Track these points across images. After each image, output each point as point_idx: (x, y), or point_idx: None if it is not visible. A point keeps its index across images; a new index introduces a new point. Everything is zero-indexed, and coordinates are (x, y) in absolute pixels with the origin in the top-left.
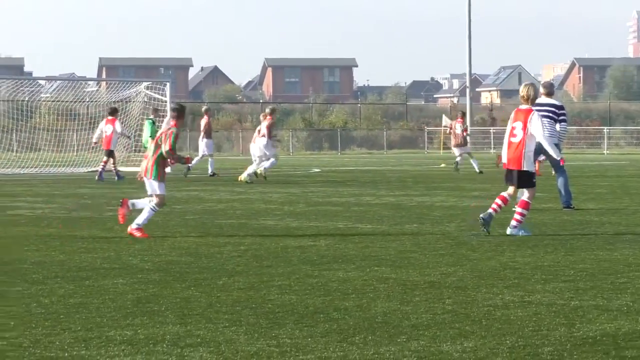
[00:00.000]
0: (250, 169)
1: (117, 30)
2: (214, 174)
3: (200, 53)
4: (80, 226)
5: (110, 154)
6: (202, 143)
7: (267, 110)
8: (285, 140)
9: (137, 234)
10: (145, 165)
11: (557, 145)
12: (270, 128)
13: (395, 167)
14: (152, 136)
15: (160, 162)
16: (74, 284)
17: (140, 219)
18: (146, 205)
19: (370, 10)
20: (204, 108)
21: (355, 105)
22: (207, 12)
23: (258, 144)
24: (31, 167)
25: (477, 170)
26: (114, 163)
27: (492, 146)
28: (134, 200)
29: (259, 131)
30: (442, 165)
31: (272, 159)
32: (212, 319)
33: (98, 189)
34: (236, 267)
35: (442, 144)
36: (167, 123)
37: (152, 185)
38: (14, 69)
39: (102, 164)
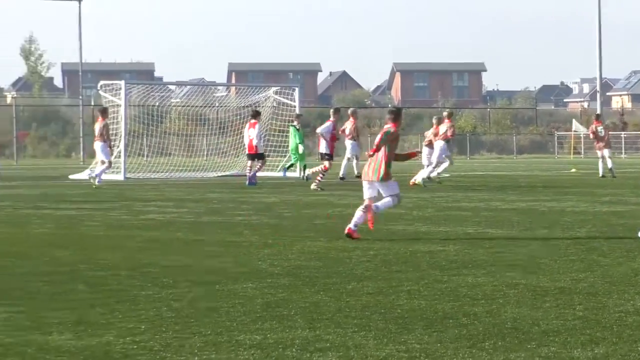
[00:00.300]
0: (423, 173)
1: (247, 36)
2: (342, 178)
3: (329, 58)
4: (211, 231)
5: (254, 157)
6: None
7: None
8: (414, 145)
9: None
10: (371, 168)
11: None
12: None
13: (525, 172)
14: (301, 142)
15: (387, 162)
16: (204, 288)
17: (356, 220)
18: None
19: (499, 14)
20: (350, 110)
21: (485, 110)
22: (335, 17)
23: (436, 147)
24: (161, 172)
25: (601, 174)
26: (250, 167)
27: (624, 151)
28: (377, 204)
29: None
30: (573, 170)
31: (445, 162)
32: (341, 323)
33: (227, 193)
34: (365, 272)
35: (572, 148)
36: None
37: (389, 186)
38: (144, 74)
39: (249, 168)
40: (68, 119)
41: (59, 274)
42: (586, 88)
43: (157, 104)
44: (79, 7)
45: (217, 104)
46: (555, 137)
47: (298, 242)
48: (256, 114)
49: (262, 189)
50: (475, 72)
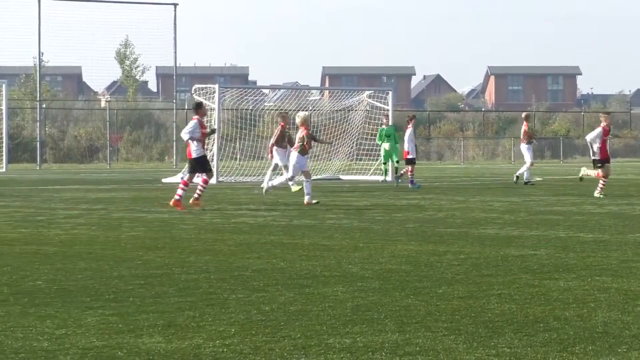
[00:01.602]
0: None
1: (340, 39)
2: (527, 182)
3: (423, 61)
4: (301, 234)
5: (410, 161)
6: (524, 149)
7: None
8: (507, 149)
9: None
10: None
11: None
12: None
13: (619, 176)
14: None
15: None
16: (294, 291)
17: None
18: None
19: (595, 17)
20: (524, 114)
21: (579, 114)
22: (430, 20)
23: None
24: (253, 175)
25: None
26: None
27: None
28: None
29: None
30: None
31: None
32: (430, 327)
33: (319, 197)
34: (456, 276)
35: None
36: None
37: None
38: (238, 78)
39: (405, 171)
40: (161, 122)
41: (151, 277)
42: None
43: (250, 107)
44: (174, 11)
45: (310, 108)
46: None
47: (389, 245)
48: (413, 117)
49: (354, 193)
50: (570, 75)
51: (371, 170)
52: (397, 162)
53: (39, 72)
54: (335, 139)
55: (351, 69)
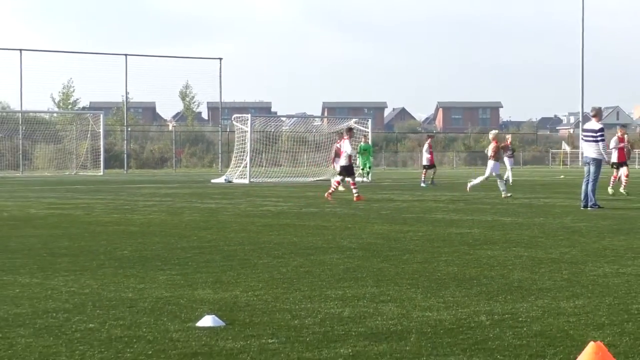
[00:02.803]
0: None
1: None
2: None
3: (392, 97)
4: (308, 218)
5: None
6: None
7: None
8: (451, 159)
9: None
10: None
11: (598, 160)
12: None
13: (527, 178)
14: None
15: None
16: (303, 258)
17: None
18: None
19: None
20: (492, 135)
21: (501, 135)
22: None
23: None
24: (275, 177)
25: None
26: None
27: None
28: None
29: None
30: (562, 176)
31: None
32: (398, 283)
33: (320, 192)
34: (415, 247)
35: (561, 162)
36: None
37: None
38: (264, 110)
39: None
40: (210, 141)
41: (203, 248)
42: (572, 119)
43: (272, 130)
44: (220, 63)
45: (314, 130)
46: (550, 154)
47: (369, 226)
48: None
49: (344, 189)
50: (494, 107)
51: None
52: (370, 168)
53: (126, 105)
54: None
55: (343, 103)
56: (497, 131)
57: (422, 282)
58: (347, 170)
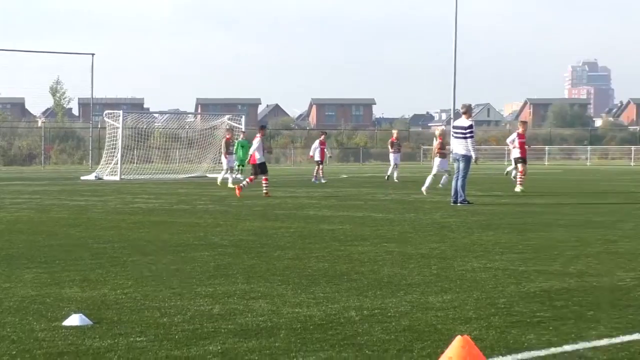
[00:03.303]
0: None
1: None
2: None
3: (266, 94)
4: (179, 215)
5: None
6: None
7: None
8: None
9: None
10: None
11: (467, 157)
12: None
13: (401, 174)
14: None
15: None
16: (174, 255)
17: None
18: None
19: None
20: (438, 131)
21: (373, 131)
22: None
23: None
24: (146, 174)
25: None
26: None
27: None
28: None
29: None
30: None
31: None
32: (268, 279)
33: (192, 189)
34: (287, 244)
35: (433, 158)
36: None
37: None
38: (136, 106)
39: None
40: (81, 137)
41: (72, 246)
42: (444, 116)
43: (144, 126)
44: (92, 59)
45: (187, 127)
46: (422, 150)
47: (240, 223)
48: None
49: (216, 186)
50: (368, 104)
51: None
52: (244, 164)
53: None
54: (204, 149)
55: (216, 99)
56: (443, 128)
57: (293, 279)
58: (260, 167)
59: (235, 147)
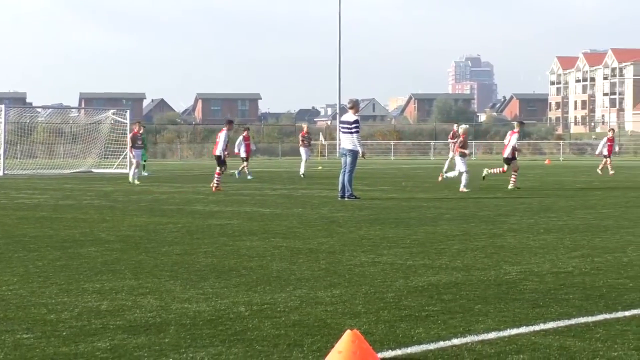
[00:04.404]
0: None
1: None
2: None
3: (151, 88)
4: (65, 211)
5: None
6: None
7: (460, 130)
8: (210, 151)
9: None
10: None
11: (354, 152)
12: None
13: (287, 169)
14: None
15: None
16: (60, 251)
17: None
18: None
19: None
20: (461, 129)
21: (260, 126)
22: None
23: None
24: (30, 169)
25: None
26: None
27: None
28: None
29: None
30: (320, 167)
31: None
32: (157, 275)
33: (77, 184)
34: (175, 239)
35: (319, 153)
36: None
37: None
38: (18, 100)
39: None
40: None
41: None
42: (330, 111)
43: (27, 121)
44: None
45: (71, 122)
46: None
47: (127, 218)
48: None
49: (102, 182)
50: (253, 99)
51: (115, 165)
52: (145, 160)
53: None
54: (89, 143)
55: (100, 94)
56: (466, 126)
57: (182, 274)
58: (217, 160)
59: (143, 142)
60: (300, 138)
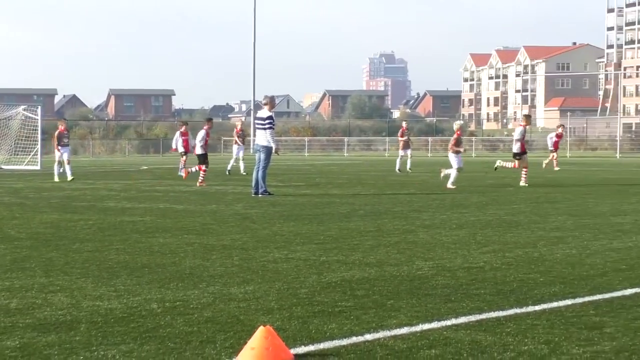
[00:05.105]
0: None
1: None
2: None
3: (62, 84)
4: None
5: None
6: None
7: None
8: (123, 147)
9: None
10: None
11: (268, 148)
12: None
13: (219, 166)
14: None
15: None
16: None
17: None
18: None
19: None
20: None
21: (173, 122)
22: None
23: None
24: None
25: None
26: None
27: None
28: None
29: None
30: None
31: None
32: (68, 272)
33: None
34: (86, 236)
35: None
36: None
37: None
38: None
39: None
40: None
41: None
42: (244, 107)
43: None
44: None
45: None
46: (222, 141)
47: (38, 215)
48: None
49: (12, 178)
50: (167, 95)
51: (25, 162)
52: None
53: None
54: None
55: (10, 89)
56: (461, 122)
57: (93, 271)
58: (200, 157)
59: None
60: (235, 135)
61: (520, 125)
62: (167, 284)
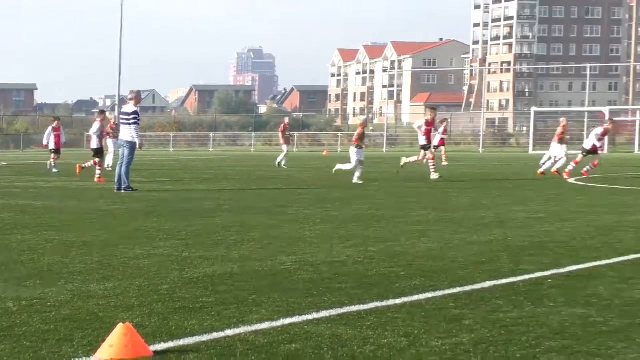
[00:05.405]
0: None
1: None
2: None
3: None
4: None
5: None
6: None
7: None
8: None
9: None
10: None
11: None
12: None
13: (65, 161)
14: None
15: None
16: None
17: None
18: None
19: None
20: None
21: (35, 117)
22: None
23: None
24: None
25: None
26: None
27: None
28: None
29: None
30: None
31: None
32: None
33: None
34: None
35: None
36: None
37: None
38: None
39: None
40: None
41: None
42: (109, 102)
43: None
44: None
45: None
46: (85, 137)
47: None
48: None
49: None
50: (29, 90)
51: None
52: None
53: None
54: None
55: None
56: (365, 117)
57: None
58: (98, 151)
59: None
60: (109, 129)
61: (426, 119)
62: (25, 281)
